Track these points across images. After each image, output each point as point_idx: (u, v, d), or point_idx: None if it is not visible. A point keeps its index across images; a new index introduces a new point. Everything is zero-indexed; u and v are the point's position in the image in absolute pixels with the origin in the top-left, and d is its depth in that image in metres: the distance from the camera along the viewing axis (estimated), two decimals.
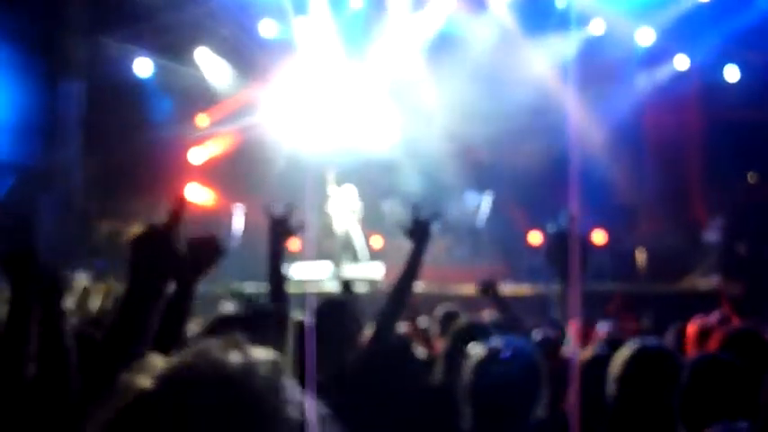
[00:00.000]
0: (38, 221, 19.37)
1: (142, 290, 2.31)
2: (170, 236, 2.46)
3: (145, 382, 1.22)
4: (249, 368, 1.23)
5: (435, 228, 4.54)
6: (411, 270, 4.37)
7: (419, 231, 4.39)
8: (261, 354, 1.28)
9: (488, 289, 5.45)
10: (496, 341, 3.11)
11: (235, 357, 1.24)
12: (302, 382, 3.18)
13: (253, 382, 1.22)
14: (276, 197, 17.23)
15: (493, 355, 2.97)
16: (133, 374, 1.24)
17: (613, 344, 4.19)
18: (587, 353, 4.30)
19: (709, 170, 16.42)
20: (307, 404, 1.29)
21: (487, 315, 6.70)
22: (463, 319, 5.74)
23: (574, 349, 4.40)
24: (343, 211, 17.00)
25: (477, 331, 4.50)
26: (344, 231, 17.04)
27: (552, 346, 5.68)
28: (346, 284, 4.88)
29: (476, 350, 3.05)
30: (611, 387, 3.27)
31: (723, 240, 14.96)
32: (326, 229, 17.10)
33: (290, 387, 1.28)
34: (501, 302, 5.25)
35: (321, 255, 17.06)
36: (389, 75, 18.20)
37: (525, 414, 2.85)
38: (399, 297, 4.37)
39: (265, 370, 1.25)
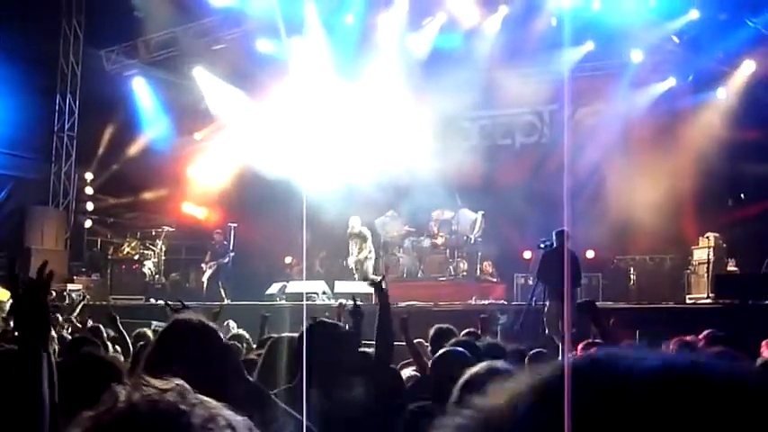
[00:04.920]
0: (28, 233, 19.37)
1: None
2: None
3: None
4: (152, 400, 1.33)
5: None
6: (383, 319, 4.95)
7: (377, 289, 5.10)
8: (164, 384, 1.38)
9: (587, 308, 5.31)
10: (481, 365, 3.13)
11: (142, 394, 1.34)
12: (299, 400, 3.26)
13: (156, 411, 1.32)
14: (270, 216, 17.48)
15: (479, 379, 2.98)
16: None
17: None
18: None
19: (700, 189, 16.52)
20: (226, 416, 1.37)
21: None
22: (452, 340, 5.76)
23: (567, 366, 4.43)
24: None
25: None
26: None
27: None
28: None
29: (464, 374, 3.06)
30: None
31: (713, 258, 15.05)
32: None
33: (200, 405, 1.36)
34: (598, 321, 5.12)
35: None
36: (382, 93, 18.29)
37: None
38: (383, 340, 4.95)
39: (170, 396, 1.35)
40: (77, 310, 12.33)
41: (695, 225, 16.34)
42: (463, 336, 6.21)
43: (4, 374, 2.65)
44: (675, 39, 17.64)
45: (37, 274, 2.67)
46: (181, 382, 1.41)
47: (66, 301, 16.17)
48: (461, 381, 3.07)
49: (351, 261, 17.94)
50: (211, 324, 3.13)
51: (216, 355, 2.95)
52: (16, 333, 2.73)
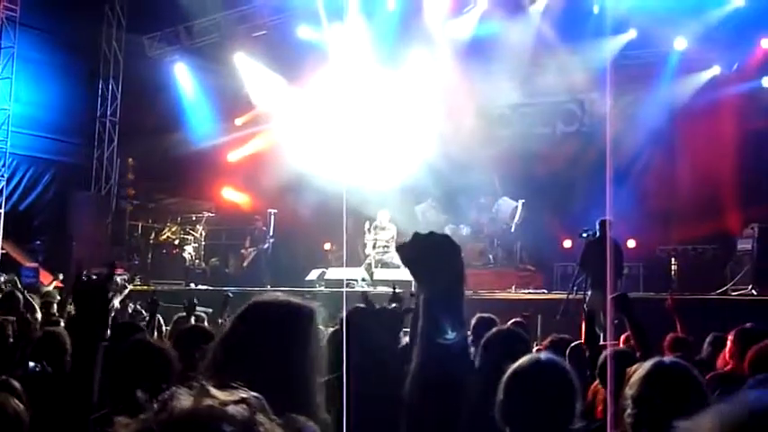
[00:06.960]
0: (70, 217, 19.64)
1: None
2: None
3: None
4: (220, 413, 1.20)
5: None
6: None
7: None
8: (229, 396, 1.25)
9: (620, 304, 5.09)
10: (528, 358, 3.09)
11: (204, 403, 1.21)
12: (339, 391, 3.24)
13: (224, 425, 1.18)
14: (309, 202, 17.53)
15: (524, 372, 2.99)
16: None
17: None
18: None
19: (744, 179, 16.28)
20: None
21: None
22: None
23: (610, 359, 4.40)
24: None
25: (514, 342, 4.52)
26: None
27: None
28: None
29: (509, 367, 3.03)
30: (627, 406, 3.04)
31: (757, 249, 14.80)
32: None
33: (266, 424, 1.24)
34: (631, 316, 4.89)
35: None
36: (422, 80, 18.25)
37: (561, 427, 2.84)
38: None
39: (236, 411, 1.21)
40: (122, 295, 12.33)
41: (739, 215, 16.10)
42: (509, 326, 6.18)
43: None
44: (720, 26, 17.36)
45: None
46: (255, 395, 1.28)
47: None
48: (508, 373, 3.05)
49: (368, 250, 17.73)
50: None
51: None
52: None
